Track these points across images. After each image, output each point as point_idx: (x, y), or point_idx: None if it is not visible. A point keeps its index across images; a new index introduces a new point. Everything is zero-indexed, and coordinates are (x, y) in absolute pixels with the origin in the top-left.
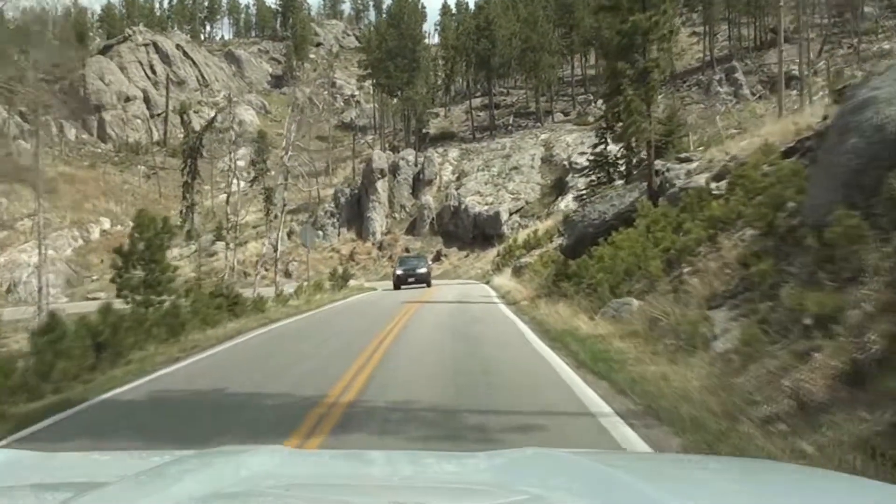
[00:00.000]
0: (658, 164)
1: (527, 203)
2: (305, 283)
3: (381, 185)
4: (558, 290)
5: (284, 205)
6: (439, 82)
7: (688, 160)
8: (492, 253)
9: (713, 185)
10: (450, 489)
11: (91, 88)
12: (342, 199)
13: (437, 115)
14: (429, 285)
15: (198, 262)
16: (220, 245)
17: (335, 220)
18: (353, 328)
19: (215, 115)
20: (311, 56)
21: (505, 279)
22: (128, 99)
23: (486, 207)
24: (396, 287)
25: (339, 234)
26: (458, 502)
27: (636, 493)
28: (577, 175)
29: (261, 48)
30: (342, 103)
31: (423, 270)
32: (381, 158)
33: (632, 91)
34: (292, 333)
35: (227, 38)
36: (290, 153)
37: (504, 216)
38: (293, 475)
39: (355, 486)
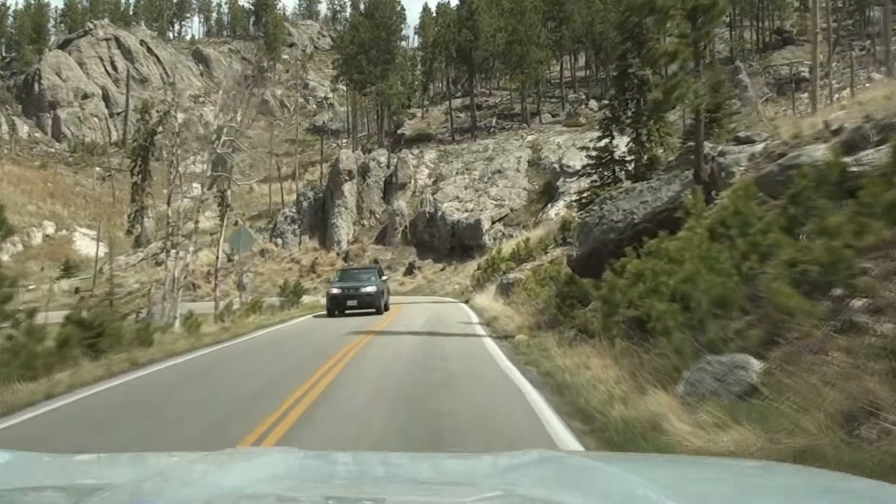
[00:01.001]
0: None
1: (511, 210)
2: (238, 301)
3: (349, 189)
4: (569, 318)
5: (228, 205)
6: (417, 83)
7: (749, 141)
8: (472, 266)
9: (847, 159)
10: (448, 488)
11: (46, 84)
12: (304, 204)
13: (413, 115)
14: (380, 311)
15: (110, 273)
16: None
17: (296, 227)
18: (235, 395)
19: (168, 111)
20: (284, 56)
21: (488, 299)
22: (85, 96)
23: (465, 214)
24: (331, 313)
25: (300, 243)
26: (444, 498)
27: (636, 490)
28: (569, 179)
29: (231, 48)
30: (314, 106)
31: (370, 289)
32: (349, 158)
33: (678, 37)
34: (121, 405)
35: (198, 37)
36: (222, 138)
37: (486, 224)
38: (304, 477)
39: (371, 486)
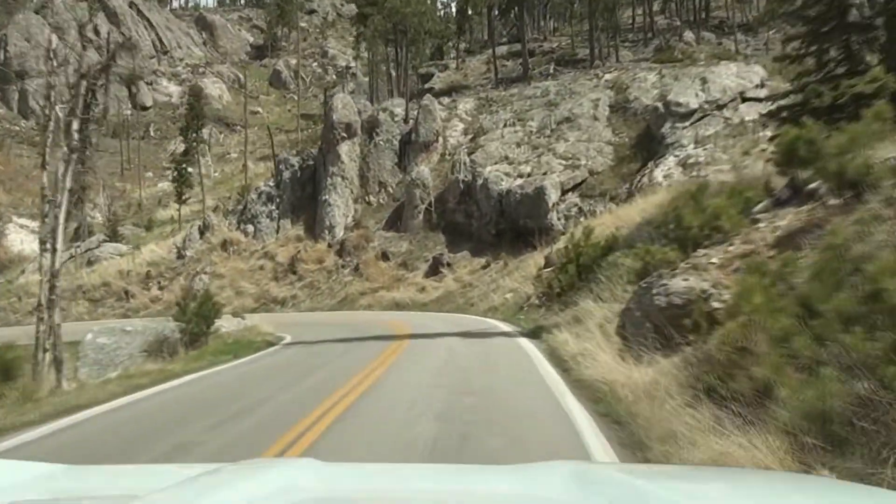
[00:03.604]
0: None
1: (591, 174)
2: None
3: (348, 151)
4: None
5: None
6: (450, 31)
7: None
8: (532, 261)
9: None
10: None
11: (13, 51)
12: (286, 175)
13: (445, 67)
14: None
15: None
16: (109, 248)
17: (273, 208)
18: None
19: (112, 62)
20: (302, 24)
21: (598, 342)
22: (60, 65)
23: (519, 182)
24: None
25: (278, 230)
26: None
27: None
28: (680, 123)
29: (242, 15)
30: (334, 76)
31: None
32: (347, 107)
33: None
34: None
35: (209, 4)
36: None
37: (552, 195)
38: (327, 488)
39: (391, 499)
